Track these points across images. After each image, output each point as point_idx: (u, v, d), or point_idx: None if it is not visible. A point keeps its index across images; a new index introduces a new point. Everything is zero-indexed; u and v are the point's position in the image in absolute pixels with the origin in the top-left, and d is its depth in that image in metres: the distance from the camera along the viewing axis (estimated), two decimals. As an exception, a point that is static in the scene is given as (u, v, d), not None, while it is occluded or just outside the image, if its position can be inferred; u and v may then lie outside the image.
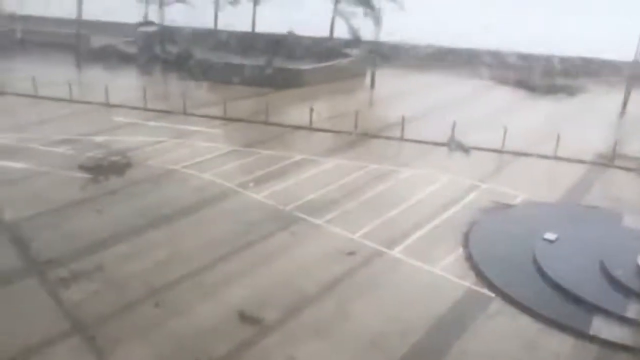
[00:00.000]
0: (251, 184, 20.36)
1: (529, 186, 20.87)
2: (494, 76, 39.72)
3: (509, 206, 19.27)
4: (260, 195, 19.52)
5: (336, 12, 43.92)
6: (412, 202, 19.25)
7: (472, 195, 20.00)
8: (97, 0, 44.34)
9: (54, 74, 35.40)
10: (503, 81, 38.95)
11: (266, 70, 36.69)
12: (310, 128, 27.36)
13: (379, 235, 16.83)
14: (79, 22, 41.44)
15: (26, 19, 49.02)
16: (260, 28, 45.58)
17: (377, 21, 41.16)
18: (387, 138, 26.35)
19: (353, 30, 40.48)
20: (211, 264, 15.11)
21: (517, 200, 19.77)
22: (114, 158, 22.40)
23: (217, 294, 13.86)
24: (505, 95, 35.94)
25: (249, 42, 44.27)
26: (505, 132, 24.60)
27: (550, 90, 36.46)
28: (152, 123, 27.67)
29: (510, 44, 42.59)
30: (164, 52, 40.87)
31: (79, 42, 41.41)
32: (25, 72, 35.00)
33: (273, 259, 15.50)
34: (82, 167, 21.33)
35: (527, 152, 24.59)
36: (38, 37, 46.11)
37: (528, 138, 26.18)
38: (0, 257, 15.17)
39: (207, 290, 14.01)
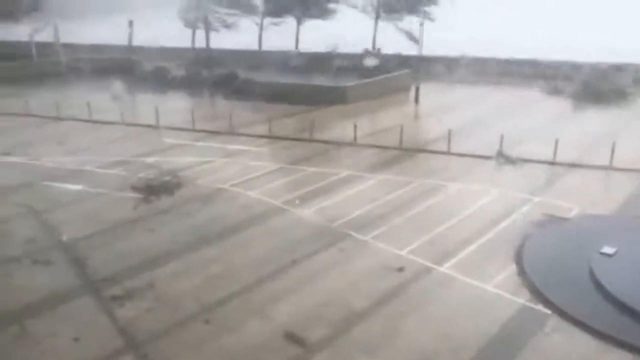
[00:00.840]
0: (297, 201, 20.47)
1: (584, 198, 20.14)
2: (542, 86, 38.82)
3: (563, 219, 18.61)
4: (307, 212, 19.58)
5: (377, 28, 44.20)
6: (461, 217, 18.88)
7: (523, 209, 19.45)
8: (147, 27, 46.13)
9: (108, 99, 36.80)
10: (551, 91, 38.00)
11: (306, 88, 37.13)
12: (355, 144, 27.36)
13: (427, 251, 16.55)
14: (130, 49, 43.08)
15: (81, 47, 51.38)
16: (304, 47, 46.24)
17: (420, 35, 41.21)
18: (433, 152, 26.04)
19: (413, 38, 40.45)
20: (260, 281, 15.21)
21: (572, 213, 19.09)
22: (164, 178, 23.00)
23: (266, 311, 13.91)
24: (554, 105, 34.99)
25: (293, 61, 44.91)
26: (556, 143, 23.88)
27: (601, 98, 35.26)
28: (200, 143, 28.31)
29: (557, 52, 41.69)
30: (211, 75, 41.93)
31: (132, 68, 43.00)
32: (81, 97, 36.58)
33: (321, 276, 15.46)
34: (135, 188, 21.99)
35: (580, 163, 23.78)
36: (93, 64, 48.18)
37: (580, 148, 25.36)
38: (58, 276, 15.74)
39: (256, 307, 14.09)
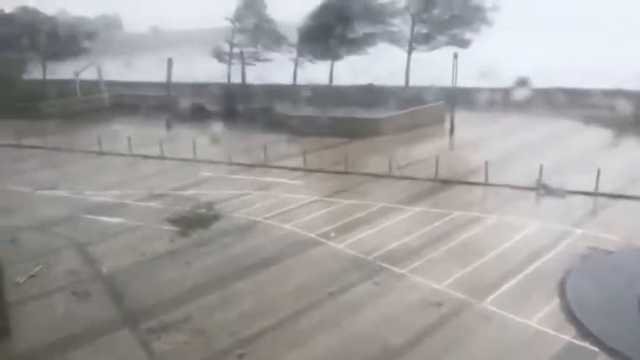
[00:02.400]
0: (332, 234, 20.36)
1: (629, 231, 19.39)
2: (581, 115, 38.01)
3: (608, 253, 17.92)
4: (342, 244, 19.44)
5: (410, 61, 44.46)
6: (500, 250, 18.41)
7: (566, 242, 18.83)
8: (187, 64, 47.56)
9: (147, 134, 37.81)
10: (591, 120, 37.12)
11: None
12: (390, 176, 27.22)
13: (467, 285, 16.14)
14: (169, 85, 44.36)
15: (123, 84, 53.31)
16: (338, 81, 46.74)
17: (455, 67, 41.14)
18: (471, 183, 25.66)
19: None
20: (295, 315, 15.06)
21: (617, 246, 18.37)
22: (201, 211, 23.29)
23: (301, 345, 13.72)
24: (594, 135, 34.12)
25: (327, 95, 45.41)
26: (598, 173, 23.21)
27: None
28: (236, 176, 28.66)
29: (595, 80, 40.94)
30: (246, 108, 42.71)
31: (170, 104, 44.21)
32: (122, 133, 37.73)
33: (357, 309, 15.22)
34: (172, 221, 22.31)
35: (623, 194, 23.01)
36: (134, 101, 49.81)
37: (623, 179, 24.57)
38: (98, 308, 15.96)
39: (291, 341, 13.92)
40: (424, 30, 43.81)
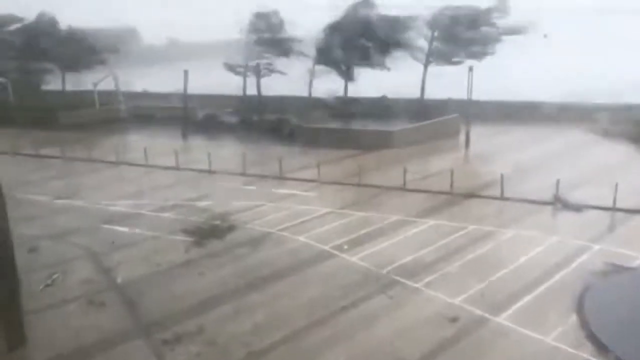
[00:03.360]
0: (346, 246, 20.30)
1: (649, 247, 19.08)
2: (598, 129, 37.60)
3: (626, 269, 17.64)
4: (356, 257, 19.36)
5: (426, 74, 44.39)
6: (516, 264, 18.20)
7: (583, 257, 18.57)
8: (204, 75, 48.01)
9: (163, 145, 38.15)
10: (608, 133, 36.70)
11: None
12: (404, 188, 27.13)
13: (482, 300, 15.96)
14: (185, 96, 44.78)
15: (140, 95, 53.95)
16: (353, 93, 46.79)
17: (470, 80, 41.04)
18: (486, 197, 25.47)
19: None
20: (308, 328, 14.99)
21: (636, 263, 18.08)
22: (215, 222, 23.37)
23: (314, 359, 13.63)
24: (611, 148, 33.73)
25: (343, 107, 45.52)
26: (616, 188, 22.90)
27: None
28: (250, 187, 28.77)
29: (612, 94, 40.55)
30: (261, 120, 42.94)
31: (186, 114, 44.60)
32: (139, 143, 38.11)
33: (370, 323, 15.11)
34: (186, 231, 22.41)
35: (642, 209, 22.67)
36: (150, 112, 50.35)
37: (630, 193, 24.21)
38: (112, 318, 16.03)
39: (304, 354, 13.85)
40: (444, 47, 43.76)
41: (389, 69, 45.37)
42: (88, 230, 23.19)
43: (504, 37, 42.42)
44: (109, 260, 20.01)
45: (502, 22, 42.21)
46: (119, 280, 18.43)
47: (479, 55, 41.98)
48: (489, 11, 42.47)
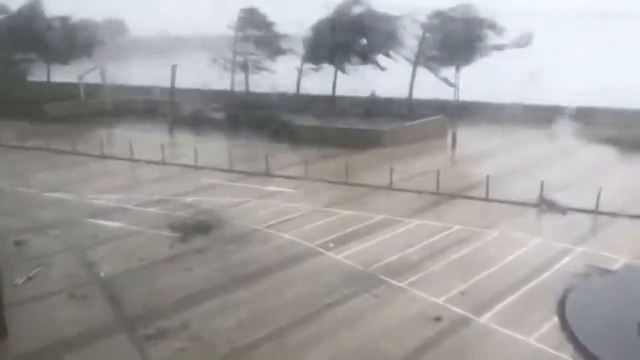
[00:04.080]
0: (331, 245, 20.32)
1: (630, 249, 19.36)
2: (584, 132, 38.08)
3: (608, 271, 17.89)
4: (341, 255, 19.40)
5: (415, 74, 44.52)
6: (500, 265, 18.37)
7: (566, 259, 18.80)
8: (192, 70, 47.70)
9: (150, 139, 37.86)
10: (594, 138, 37.17)
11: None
12: (391, 188, 27.22)
13: (465, 300, 16.09)
14: (173, 91, 44.47)
15: (127, 88, 53.43)
16: (341, 91, 46.83)
17: (457, 81, 41.41)
18: (471, 198, 25.65)
19: (450, 83, 40.68)
20: (293, 325, 15.00)
21: (617, 265, 18.34)
22: (201, 218, 23.25)
23: (299, 356, 13.65)
24: (596, 153, 34.17)
25: (330, 105, 45.55)
26: (599, 191, 23.20)
27: None
28: (237, 184, 28.67)
29: (599, 98, 41.07)
30: (249, 116, 42.81)
31: (173, 109, 44.28)
32: (124, 137, 37.77)
33: (355, 322, 15.16)
34: (172, 227, 22.27)
35: (624, 212, 23.00)
36: (137, 105, 49.92)
37: (625, 197, 24.56)
38: (95, 312, 15.89)
39: (288, 352, 13.86)
40: (434, 52, 43.79)
41: (383, 68, 45.38)
42: (72, 223, 22.95)
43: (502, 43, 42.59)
44: (92, 254, 19.84)
45: (506, 37, 41.98)
46: (102, 274, 18.27)
47: (468, 61, 42.19)
48: (482, 23, 42.32)
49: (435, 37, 43.68)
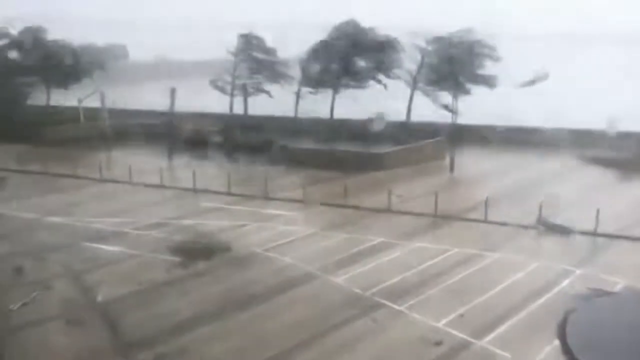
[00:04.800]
0: (330, 268, 20.23)
1: (630, 272, 19.29)
2: (582, 154, 38.14)
3: (608, 294, 17.80)
4: (340, 279, 19.30)
5: (413, 97, 44.77)
6: (499, 288, 18.28)
7: (565, 282, 18.72)
8: (189, 93, 48.02)
9: (148, 162, 37.92)
10: (592, 160, 37.25)
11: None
12: (389, 210, 27.21)
13: (465, 323, 15.97)
14: (172, 115, 44.69)
15: (126, 112, 53.68)
16: (339, 115, 47.04)
17: (454, 104, 41.54)
18: (470, 220, 25.63)
19: (448, 108, 40.72)
20: (292, 350, 14.87)
21: (618, 288, 18.26)
22: (200, 241, 23.18)
23: (298, 382, 13.51)
24: (594, 175, 34.24)
25: (329, 127, 45.72)
26: (597, 213, 23.20)
27: None
28: (235, 207, 28.64)
29: (597, 120, 41.18)
30: (247, 140, 42.94)
31: (172, 132, 44.41)
32: (123, 160, 37.83)
33: (354, 346, 15.03)
34: (170, 250, 22.18)
35: (624, 234, 22.97)
36: (136, 129, 50.07)
37: (625, 219, 24.55)
38: (91, 337, 15.73)
39: (287, 377, 13.70)
40: (432, 76, 44.02)
41: (385, 85, 45.58)
42: (70, 247, 22.86)
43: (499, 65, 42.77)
44: (90, 279, 19.71)
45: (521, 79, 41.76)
46: (99, 299, 18.14)
47: (466, 89, 42.33)
48: (482, 49, 42.56)
49: (434, 62, 44.02)
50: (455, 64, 42.35)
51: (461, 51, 42.65)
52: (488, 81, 42.27)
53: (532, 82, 41.17)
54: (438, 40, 43.96)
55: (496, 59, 42.58)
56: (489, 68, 42.62)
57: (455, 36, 43.40)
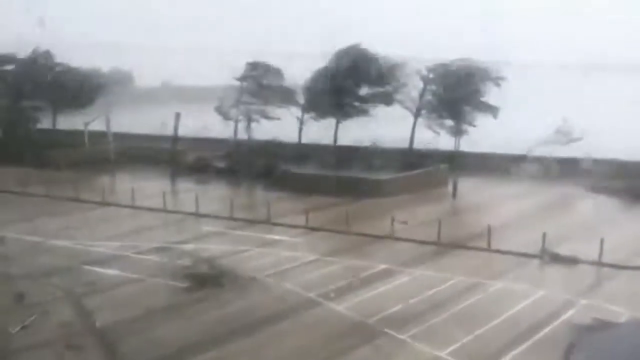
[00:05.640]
0: (332, 295, 20.06)
1: (635, 303, 19.07)
2: (584, 184, 38.07)
3: (613, 325, 17.56)
4: (342, 306, 19.12)
5: (416, 124, 44.90)
6: (503, 318, 18.06)
7: (570, 312, 18.51)
8: (192, 118, 48.38)
9: (152, 186, 38.00)
10: (595, 189, 37.17)
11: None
12: (392, 237, 27.10)
13: (468, 353, 15.76)
14: (176, 139, 44.98)
15: (131, 136, 54.04)
16: (343, 141, 47.18)
17: (459, 131, 41.69)
18: (473, 248, 25.48)
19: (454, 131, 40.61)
20: (292, 379, 14.64)
21: (623, 319, 18.03)
22: (201, 266, 23.04)
23: (298, 411, 13.27)
24: (599, 204, 34.12)
25: (332, 154, 45.84)
26: (601, 243, 23.06)
27: None
28: (237, 232, 28.58)
29: (605, 150, 41.15)
30: (251, 165, 43.08)
31: (176, 157, 44.64)
32: (126, 184, 37.92)
33: (356, 375, 14.80)
34: (171, 275, 22.05)
35: (628, 264, 22.79)
36: (140, 152, 50.30)
37: (629, 249, 24.38)
38: (89, 363, 15.56)
39: (287, 407, 13.47)
40: (434, 102, 44.22)
41: (374, 116, 45.67)
42: (70, 271, 22.77)
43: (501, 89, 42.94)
44: (90, 303, 19.57)
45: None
46: (98, 323, 17.97)
47: (468, 119, 42.52)
48: (482, 89, 42.78)
49: (437, 90, 44.21)
50: (456, 92, 42.58)
51: (462, 79, 42.86)
52: (491, 110, 42.49)
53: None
54: (439, 67, 44.26)
55: (499, 85, 42.76)
56: (493, 94, 42.81)
57: (455, 63, 43.64)
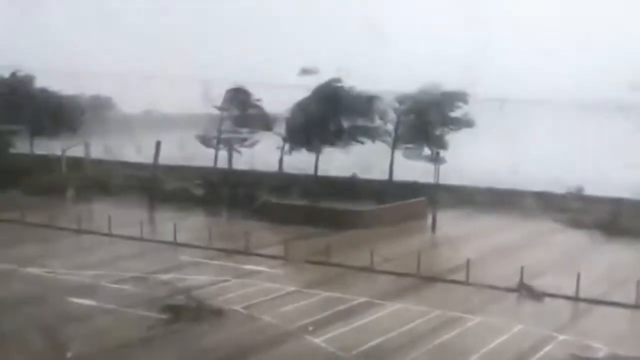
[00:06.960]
0: (311, 328, 19.83)
1: (613, 338, 19.20)
2: (562, 218, 38.59)
3: (591, 360, 17.64)
4: (321, 339, 18.88)
5: (394, 155, 45.39)
6: (481, 353, 18.03)
7: (547, 348, 18.54)
8: (172, 146, 48.19)
9: (129, 214, 37.49)
10: (573, 223, 37.67)
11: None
12: (371, 269, 27.03)
13: (447, 389, 15.62)
14: (155, 167, 44.67)
15: (110, 163, 53.50)
16: (323, 172, 47.39)
17: (436, 164, 42.14)
18: (452, 282, 25.53)
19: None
20: (268, 415, 14.33)
21: (601, 354, 18.11)
22: (177, 297, 22.63)
23: None
24: (575, 238, 34.56)
25: (312, 184, 45.92)
26: (578, 278, 23.31)
27: (623, 232, 34.76)
28: (215, 262, 28.23)
29: (583, 184, 41.90)
30: (231, 194, 42.86)
31: (154, 185, 44.24)
32: (103, 212, 37.35)
33: (334, 411, 14.54)
34: (146, 306, 21.59)
35: (605, 299, 23.02)
36: (118, 180, 49.74)
37: (606, 284, 24.65)
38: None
39: None
40: (409, 132, 44.97)
41: (354, 146, 46.18)
42: (42, 300, 22.16)
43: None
44: (61, 334, 19.01)
45: None
46: (69, 355, 17.44)
47: (444, 145, 43.23)
48: (452, 99, 43.77)
49: (408, 119, 45.06)
50: (427, 116, 43.46)
51: (430, 103, 43.79)
52: (466, 123, 43.34)
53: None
54: (407, 98, 45.14)
55: (466, 102, 43.65)
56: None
57: (423, 90, 44.50)
